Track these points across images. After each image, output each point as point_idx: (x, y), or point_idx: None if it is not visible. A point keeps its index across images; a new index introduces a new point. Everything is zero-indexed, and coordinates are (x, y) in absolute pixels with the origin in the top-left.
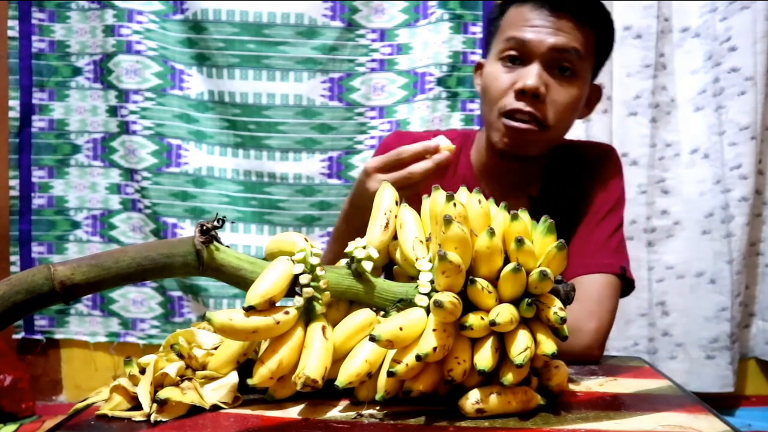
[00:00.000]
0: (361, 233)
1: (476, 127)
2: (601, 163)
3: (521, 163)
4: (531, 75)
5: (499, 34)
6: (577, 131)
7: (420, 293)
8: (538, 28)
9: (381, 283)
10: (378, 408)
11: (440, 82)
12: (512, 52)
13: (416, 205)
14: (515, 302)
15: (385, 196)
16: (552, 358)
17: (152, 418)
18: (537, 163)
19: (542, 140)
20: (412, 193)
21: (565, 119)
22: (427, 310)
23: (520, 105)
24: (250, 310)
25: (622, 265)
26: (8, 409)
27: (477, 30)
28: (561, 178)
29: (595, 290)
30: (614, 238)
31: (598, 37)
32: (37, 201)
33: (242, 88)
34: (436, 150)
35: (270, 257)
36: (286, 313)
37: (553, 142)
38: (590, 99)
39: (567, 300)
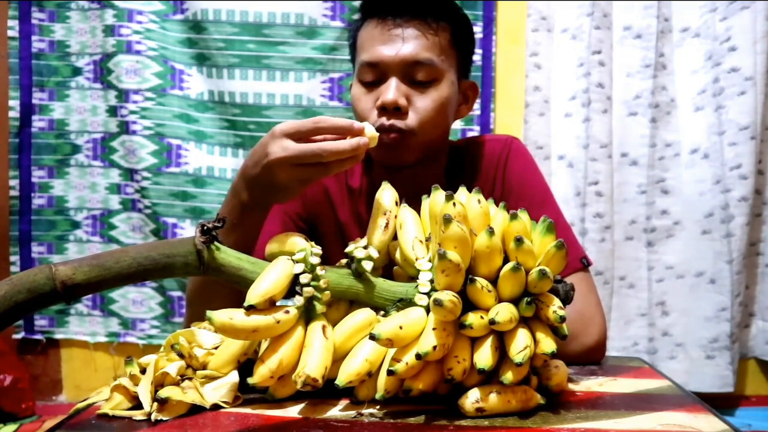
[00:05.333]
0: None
1: (476, 127)
2: (506, 157)
3: (413, 170)
4: (389, 90)
5: (357, 57)
6: (577, 131)
7: (420, 292)
8: (386, 45)
9: (381, 282)
10: (378, 407)
11: None
12: (369, 74)
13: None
14: (515, 301)
15: (385, 196)
16: (551, 357)
17: (153, 417)
18: (431, 168)
19: (415, 146)
20: (315, 177)
21: (435, 123)
22: (427, 310)
23: (383, 120)
24: (250, 309)
25: (581, 257)
26: (8, 409)
27: (477, 30)
28: (464, 179)
29: (577, 292)
30: (561, 233)
31: (454, 30)
32: (37, 201)
33: (242, 88)
34: (358, 133)
35: (270, 257)
36: (287, 312)
37: (430, 145)
38: (467, 96)
39: (566, 299)
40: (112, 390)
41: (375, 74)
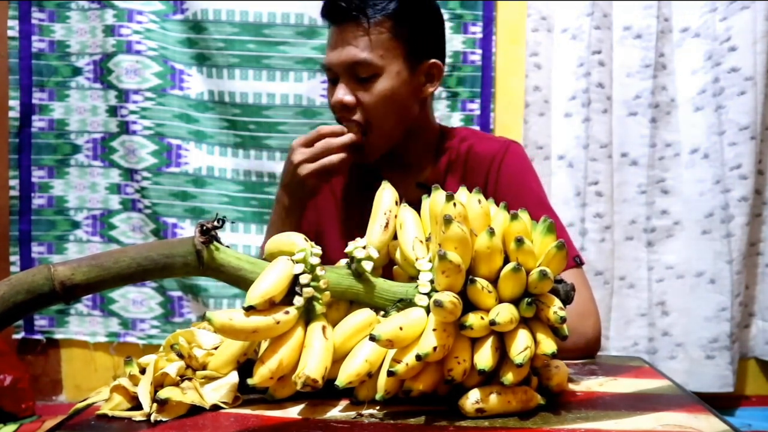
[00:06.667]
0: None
1: (476, 127)
2: (502, 156)
3: (400, 153)
4: (337, 91)
5: None
6: (577, 131)
7: (420, 293)
8: (333, 51)
9: (381, 283)
10: (378, 408)
11: None
12: (329, 74)
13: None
14: (515, 302)
15: (385, 196)
16: (552, 357)
17: (152, 418)
18: (415, 152)
19: (371, 144)
20: (329, 172)
21: (383, 113)
22: (427, 310)
23: (340, 117)
24: (250, 309)
25: (575, 256)
26: (8, 409)
27: (477, 30)
28: (455, 169)
29: None
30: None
31: (396, 23)
32: (37, 201)
33: (242, 88)
34: (344, 132)
35: (270, 257)
36: (286, 312)
37: (389, 137)
38: (431, 75)
39: (567, 300)
40: (111, 390)
41: (332, 75)
